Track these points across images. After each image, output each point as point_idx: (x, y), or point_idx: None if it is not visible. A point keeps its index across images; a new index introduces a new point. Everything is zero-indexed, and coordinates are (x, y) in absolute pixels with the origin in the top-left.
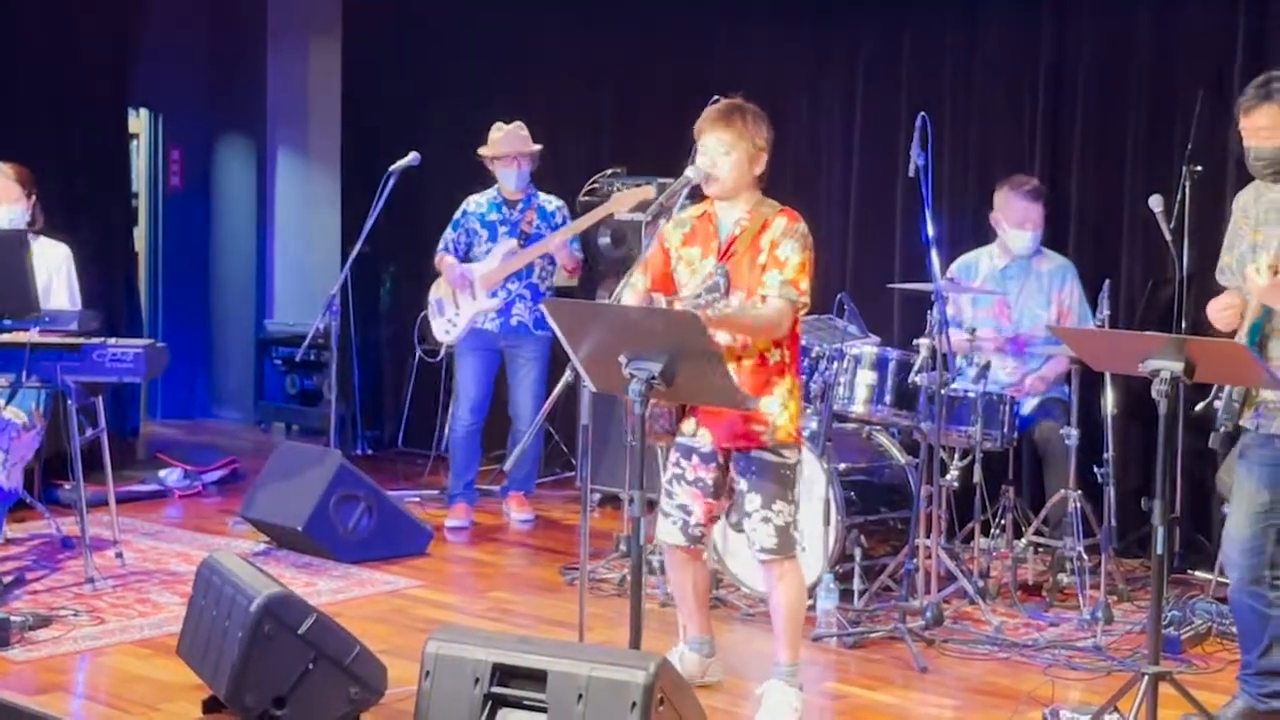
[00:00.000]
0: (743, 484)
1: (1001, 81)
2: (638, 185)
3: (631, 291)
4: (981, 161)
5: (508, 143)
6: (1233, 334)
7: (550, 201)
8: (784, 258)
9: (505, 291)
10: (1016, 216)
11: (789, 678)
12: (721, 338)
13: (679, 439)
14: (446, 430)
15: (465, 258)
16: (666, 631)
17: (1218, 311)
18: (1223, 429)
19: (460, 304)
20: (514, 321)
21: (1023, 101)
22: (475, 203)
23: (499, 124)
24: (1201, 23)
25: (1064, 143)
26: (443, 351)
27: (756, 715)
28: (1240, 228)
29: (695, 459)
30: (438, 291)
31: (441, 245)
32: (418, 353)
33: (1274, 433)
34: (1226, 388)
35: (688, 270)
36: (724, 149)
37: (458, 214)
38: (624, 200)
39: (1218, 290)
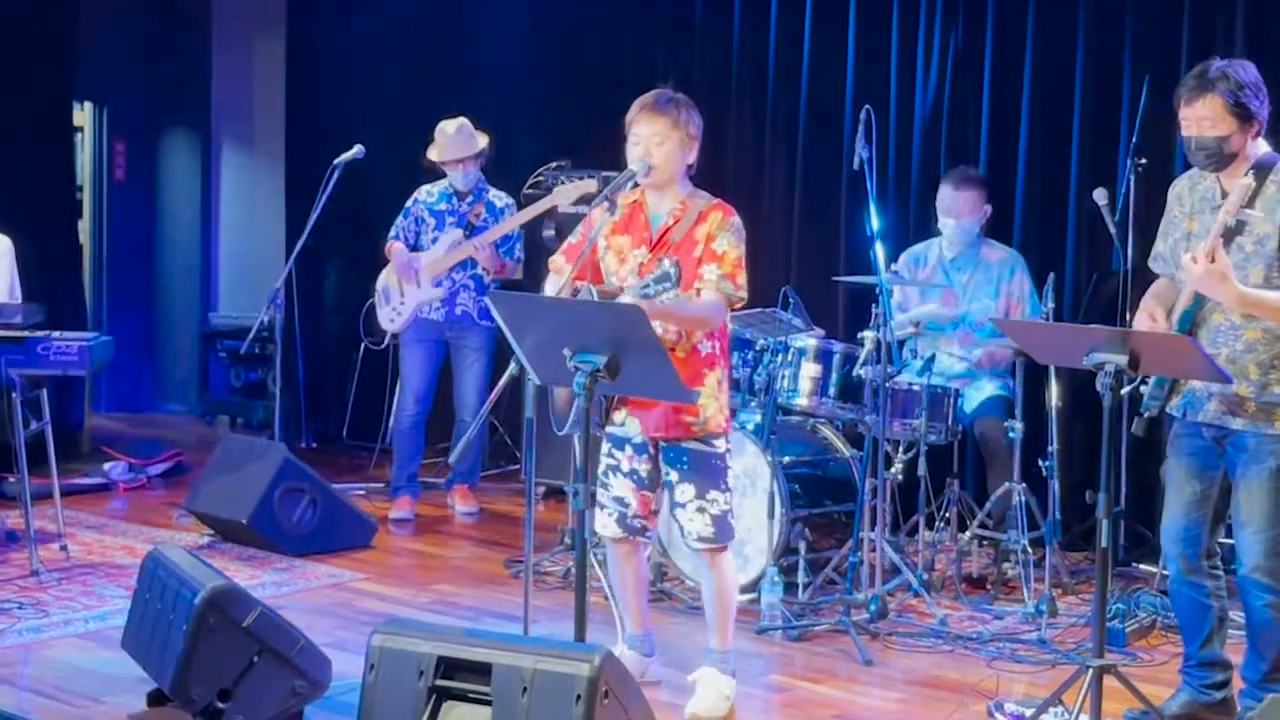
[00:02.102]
0: (674, 475)
1: (946, 74)
2: (581, 179)
3: (565, 281)
4: (926, 155)
5: (454, 148)
6: None
7: (500, 198)
8: (721, 251)
9: (450, 281)
10: (943, 204)
11: (721, 664)
12: (656, 328)
13: (610, 429)
14: (391, 422)
15: (413, 246)
16: (612, 624)
17: (1143, 324)
18: (1147, 413)
19: (405, 293)
20: (458, 311)
21: (967, 95)
22: (426, 192)
23: (443, 124)
24: (1147, 14)
25: (1009, 136)
26: (387, 340)
27: (689, 702)
28: (1174, 216)
29: (629, 450)
30: (384, 280)
31: (392, 233)
32: (363, 345)
33: (1204, 421)
34: None
35: (616, 259)
36: (658, 139)
37: (409, 202)
38: (566, 194)
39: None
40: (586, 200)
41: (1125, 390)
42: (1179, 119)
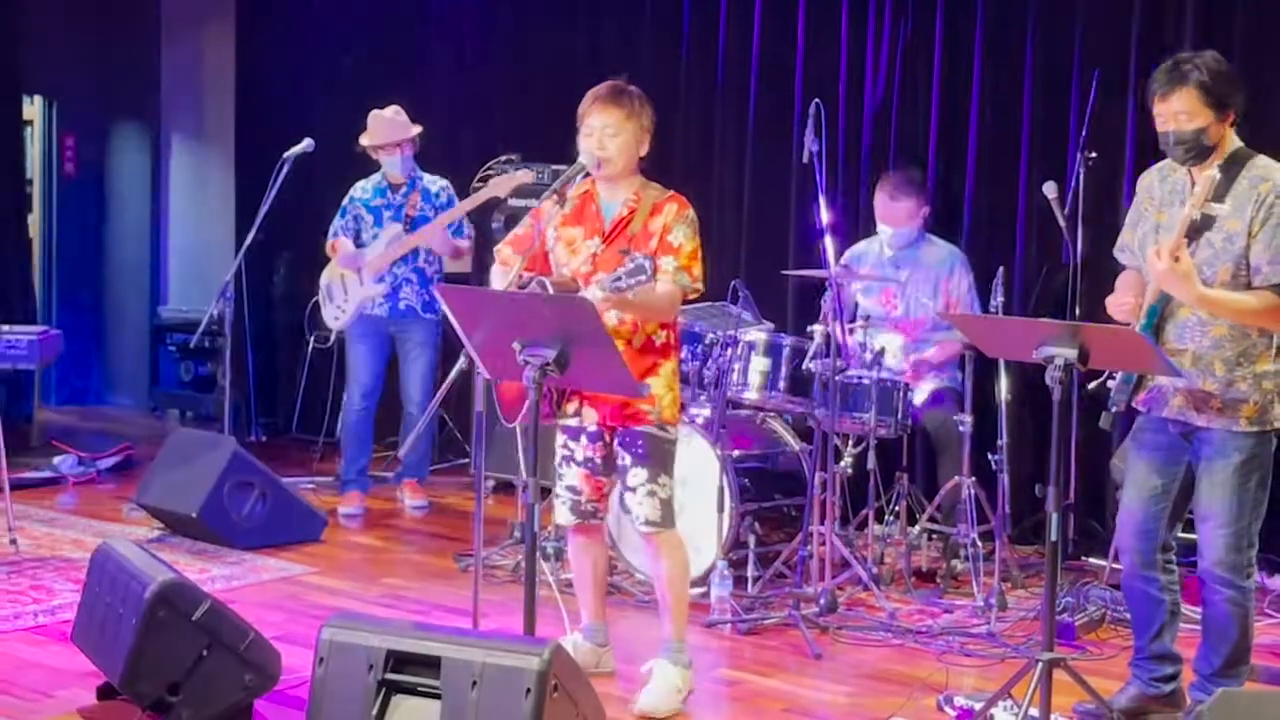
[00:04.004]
0: (627, 459)
1: (896, 68)
2: (531, 171)
3: (503, 269)
4: (876, 149)
5: (388, 131)
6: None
7: (434, 183)
8: (677, 243)
9: (392, 276)
10: (879, 211)
11: (675, 655)
12: (610, 318)
13: (563, 421)
14: (340, 416)
15: (355, 245)
16: (560, 618)
17: (1115, 307)
18: (1115, 409)
19: (348, 290)
20: (402, 305)
21: (917, 88)
22: (361, 188)
23: (376, 111)
24: (1096, 8)
25: (958, 129)
26: (333, 338)
27: (641, 693)
28: (1144, 208)
29: (584, 439)
30: (327, 277)
31: (331, 233)
32: (310, 339)
33: (1166, 416)
34: None
35: (567, 250)
36: (612, 130)
37: (345, 201)
38: (503, 185)
39: (1114, 273)
40: (531, 193)
41: (1092, 385)
42: (1152, 115)
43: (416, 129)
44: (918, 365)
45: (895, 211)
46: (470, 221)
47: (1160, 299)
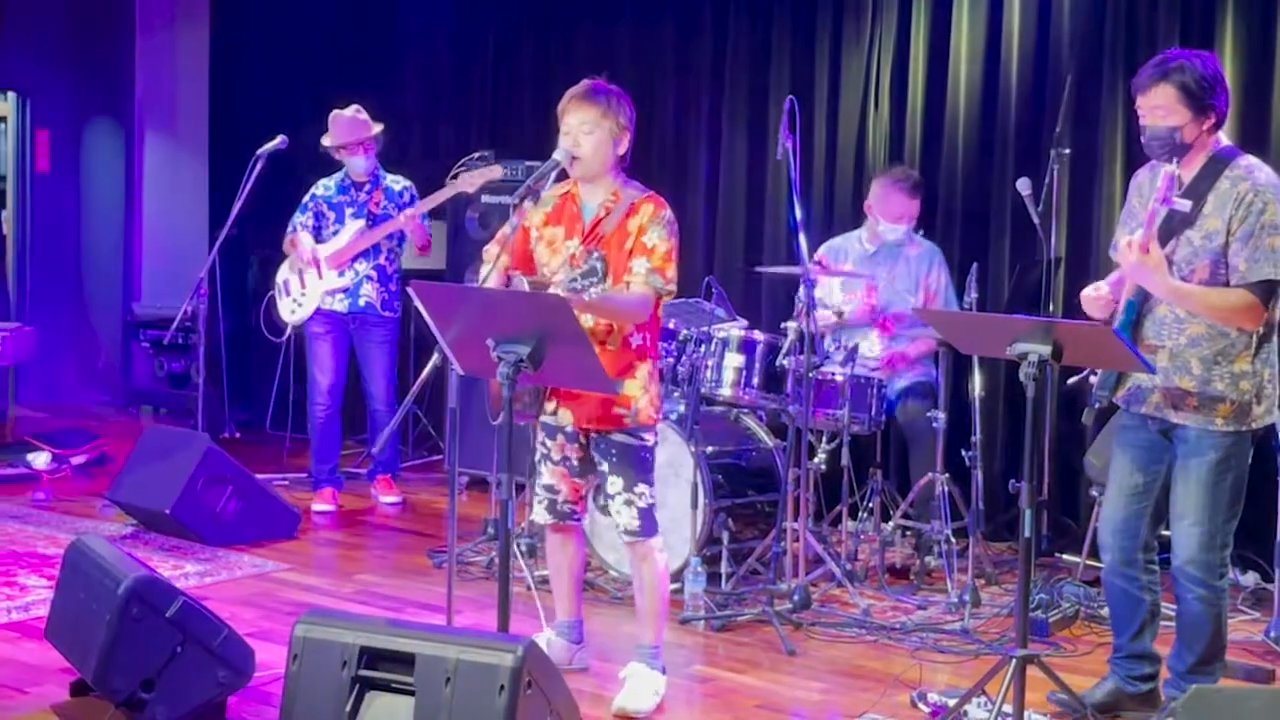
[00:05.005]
0: (604, 466)
1: (872, 64)
2: (505, 168)
3: (494, 269)
4: (851, 146)
5: (349, 131)
6: (1111, 319)
7: (397, 182)
8: (651, 245)
9: (353, 272)
10: (894, 210)
11: (651, 659)
12: (586, 320)
13: (544, 419)
14: (307, 416)
15: (316, 240)
16: (535, 615)
17: (1088, 300)
18: (1097, 405)
19: (307, 283)
20: (362, 302)
21: (893, 84)
22: (323, 186)
23: (337, 111)
24: (1074, 6)
25: (934, 125)
26: (289, 332)
27: (617, 697)
28: (1134, 206)
29: (560, 438)
30: (284, 273)
31: (290, 229)
32: (289, 335)
33: (1147, 413)
34: None
35: (548, 250)
36: (587, 128)
37: (306, 198)
38: (470, 181)
39: (1087, 270)
40: (504, 190)
41: (1073, 380)
42: (1135, 109)
43: (378, 127)
44: (893, 359)
45: (911, 209)
46: (429, 220)
47: (1139, 295)
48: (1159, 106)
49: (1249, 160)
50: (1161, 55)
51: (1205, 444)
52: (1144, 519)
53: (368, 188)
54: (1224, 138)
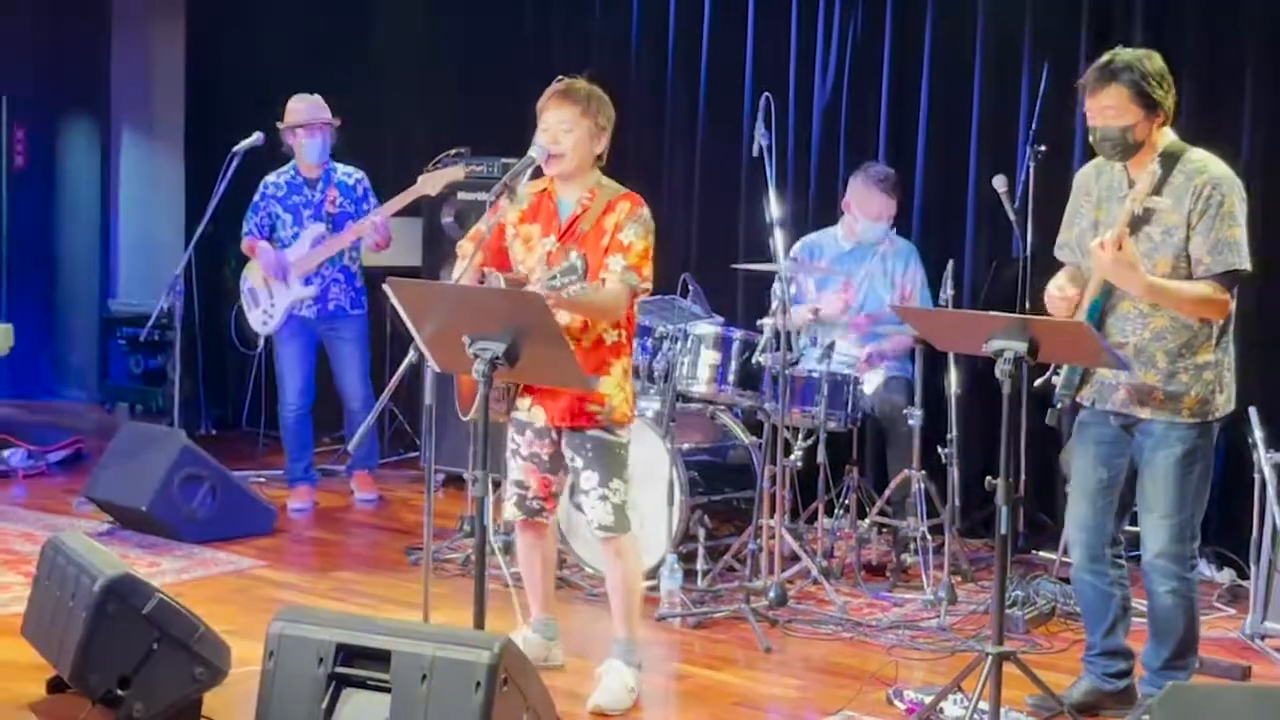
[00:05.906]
0: (578, 462)
1: (846, 61)
2: (479, 165)
3: (469, 266)
4: (826, 142)
5: (310, 110)
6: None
7: (350, 174)
8: (627, 242)
9: (320, 278)
10: (873, 209)
11: (627, 656)
12: (562, 317)
13: (515, 415)
14: (279, 418)
15: (268, 240)
16: (511, 612)
17: (1054, 300)
18: (1060, 405)
19: (275, 292)
20: (331, 306)
21: (867, 81)
22: (274, 184)
23: (298, 95)
24: (1047, 1)
25: (909, 122)
26: (261, 343)
27: (593, 695)
28: (1080, 205)
29: (529, 434)
30: (250, 280)
31: (246, 231)
32: (261, 338)
33: (1110, 409)
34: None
35: (524, 247)
36: (566, 126)
37: (256, 196)
38: (433, 181)
39: (1059, 269)
40: (481, 186)
41: (1038, 383)
42: (1084, 109)
43: (336, 121)
44: (871, 356)
45: (889, 207)
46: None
47: (1102, 293)
48: (1109, 107)
49: (1200, 153)
50: (1107, 55)
51: (1172, 437)
52: (1109, 514)
53: (320, 185)
54: (1170, 132)
